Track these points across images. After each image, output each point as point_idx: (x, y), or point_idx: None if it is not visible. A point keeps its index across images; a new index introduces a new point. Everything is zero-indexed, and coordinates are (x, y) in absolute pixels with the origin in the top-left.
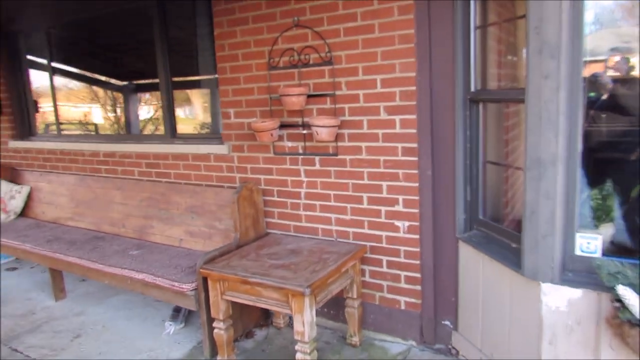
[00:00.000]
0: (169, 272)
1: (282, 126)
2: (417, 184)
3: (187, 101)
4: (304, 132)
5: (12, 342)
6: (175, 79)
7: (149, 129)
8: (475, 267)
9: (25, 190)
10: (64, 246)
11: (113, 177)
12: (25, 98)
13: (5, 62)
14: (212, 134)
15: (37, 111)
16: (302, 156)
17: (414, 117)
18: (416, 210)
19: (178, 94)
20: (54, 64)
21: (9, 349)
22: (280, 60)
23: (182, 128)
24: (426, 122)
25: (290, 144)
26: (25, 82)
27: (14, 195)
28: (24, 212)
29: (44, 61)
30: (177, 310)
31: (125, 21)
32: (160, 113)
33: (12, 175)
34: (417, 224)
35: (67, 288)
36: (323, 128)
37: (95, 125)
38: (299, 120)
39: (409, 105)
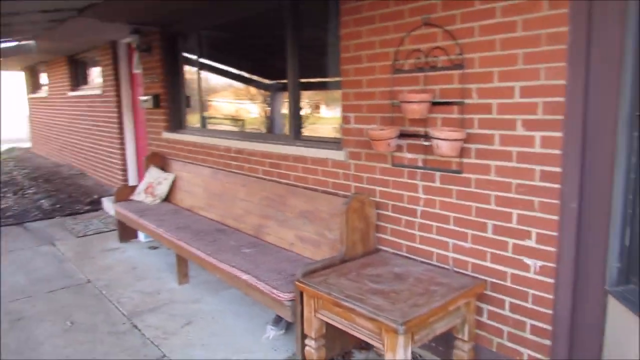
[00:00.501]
0: (272, 277)
1: (403, 135)
2: (556, 217)
3: (314, 102)
4: (425, 143)
5: (135, 318)
6: (303, 80)
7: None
8: (630, 333)
9: (170, 177)
10: (189, 235)
11: (240, 173)
12: (179, 94)
13: (166, 61)
14: (333, 138)
15: (188, 106)
16: (421, 170)
17: (559, 134)
18: (553, 249)
19: (306, 95)
20: (202, 60)
21: (130, 325)
22: (406, 62)
23: (308, 130)
24: (576, 142)
25: (409, 155)
26: (180, 80)
27: (161, 182)
28: (167, 198)
29: (196, 59)
30: (280, 315)
31: (267, 23)
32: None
33: (162, 163)
34: (552, 265)
35: (190, 274)
36: (444, 141)
37: (243, 121)
38: (420, 130)
39: (554, 120)
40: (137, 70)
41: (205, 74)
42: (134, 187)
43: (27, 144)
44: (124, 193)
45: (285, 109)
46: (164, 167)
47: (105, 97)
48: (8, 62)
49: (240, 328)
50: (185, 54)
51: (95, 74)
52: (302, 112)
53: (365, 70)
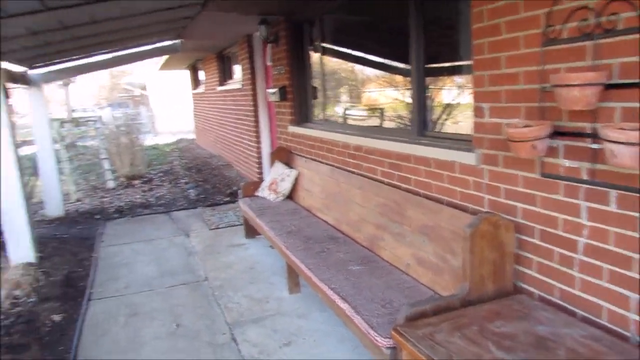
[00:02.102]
0: (374, 309)
1: (557, 134)
2: None
3: (441, 91)
4: (593, 146)
5: (236, 328)
6: (428, 65)
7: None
8: None
9: (293, 174)
10: (298, 242)
11: (357, 173)
12: (305, 85)
13: (291, 51)
14: (464, 135)
15: (315, 97)
16: (586, 185)
17: None
18: None
19: (435, 82)
20: (327, 46)
21: (230, 336)
22: (564, 28)
23: (439, 123)
24: None
25: (567, 163)
26: (306, 70)
27: (284, 178)
28: (290, 195)
29: (321, 46)
30: None
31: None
32: (437, 103)
33: (288, 158)
34: None
35: (302, 283)
36: (625, 146)
37: (381, 110)
38: (585, 126)
39: None
40: (270, 63)
41: (331, 62)
42: (259, 183)
43: (193, 136)
44: (250, 189)
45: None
46: (289, 162)
47: (244, 91)
48: (176, 61)
49: (343, 358)
50: (312, 43)
51: (239, 69)
52: (430, 103)
53: (504, 44)
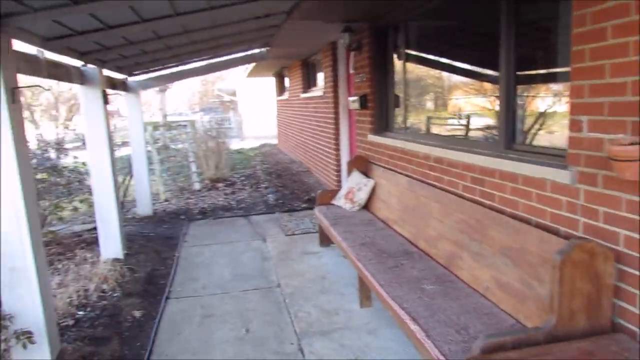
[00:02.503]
0: (447, 335)
1: None
2: None
3: (533, 100)
4: None
5: (304, 339)
6: (520, 72)
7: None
8: None
9: (370, 184)
10: (371, 255)
11: (437, 186)
12: (387, 93)
13: (374, 59)
14: (556, 150)
15: (397, 106)
16: None
17: None
18: None
19: (525, 91)
20: (411, 52)
21: (297, 347)
22: None
23: (529, 136)
24: None
25: None
26: (389, 78)
27: (361, 188)
28: (366, 205)
29: (405, 52)
30: None
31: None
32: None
33: (366, 167)
34: None
35: (374, 296)
36: None
37: (467, 120)
38: None
39: None
40: (353, 71)
41: (415, 69)
42: (335, 191)
43: (275, 141)
44: (326, 197)
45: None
46: (366, 172)
47: (325, 98)
48: (263, 68)
49: None
50: (396, 49)
51: (321, 76)
52: (520, 112)
53: (609, 50)
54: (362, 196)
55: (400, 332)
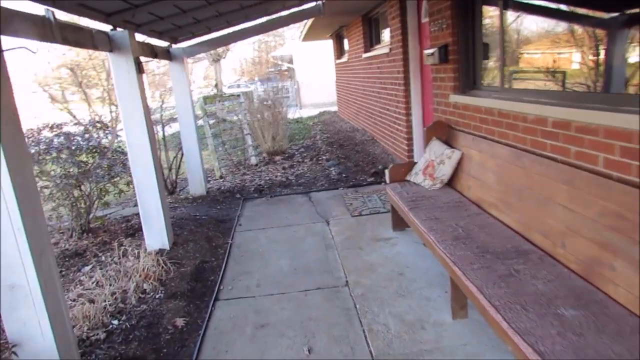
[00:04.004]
0: None
1: None
2: None
3: None
4: None
5: None
6: None
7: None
8: None
9: (455, 156)
10: (470, 255)
11: (559, 160)
12: (474, 42)
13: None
14: None
15: (486, 58)
16: None
17: None
18: None
19: None
20: None
21: None
22: None
23: None
24: None
25: None
26: (476, 22)
27: (443, 160)
28: (450, 182)
29: None
30: None
31: None
32: None
33: (448, 135)
34: None
35: (471, 303)
36: None
37: (564, 73)
38: None
39: None
40: (426, 19)
41: (509, 10)
42: (410, 165)
43: (335, 108)
44: (399, 172)
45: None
46: (449, 141)
47: (392, 55)
48: (320, 29)
49: None
50: None
51: (386, 32)
52: None
53: None
54: (445, 171)
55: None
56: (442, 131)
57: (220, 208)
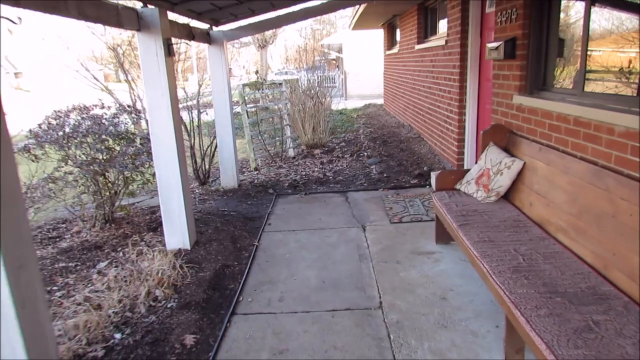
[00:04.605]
0: None
1: None
2: None
3: None
4: None
5: None
6: None
7: None
8: None
9: (516, 165)
10: (535, 294)
11: None
12: (549, 36)
13: None
14: None
15: (560, 55)
16: None
17: None
18: None
19: None
20: None
21: None
22: None
23: None
24: None
25: None
26: (553, 14)
27: (501, 170)
28: (507, 195)
29: None
30: None
31: None
32: None
33: (507, 141)
34: None
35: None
36: None
37: None
38: None
39: None
40: (491, 9)
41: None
42: (461, 172)
43: (381, 101)
44: (448, 179)
45: None
46: (508, 147)
47: (448, 48)
48: (372, 17)
49: None
50: None
51: (443, 23)
52: None
53: None
54: (502, 182)
55: None
56: (502, 136)
57: (250, 203)
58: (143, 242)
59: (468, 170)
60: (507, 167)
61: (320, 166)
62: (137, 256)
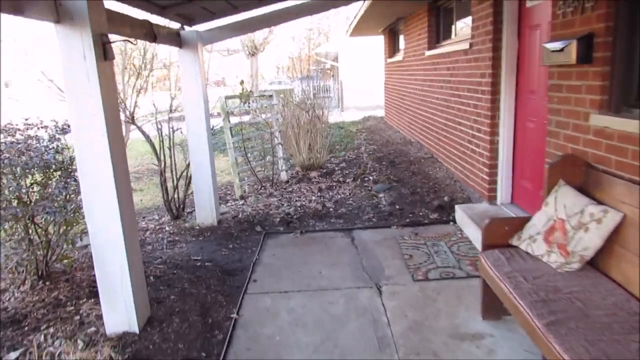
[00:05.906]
0: None
1: None
2: None
3: None
4: None
5: None
6: None
7: None
8: None
9: (611, 218)
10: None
11: None
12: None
13: None
14: None
15: None
16: None
17: None
18: None
19: None
20: None
21: None
22: None
23: None
24: None
25: None
26: None
27: (586, 224)
28: (596, 261)
29: None
30: None
31: None
32: None
33: (586, 179)
34: None
35: None
36: None
37: None
38: None
39: None
40: (533, 2)
41: None
42: (517, 222)
43: (381, 113)
44: (499, 232)
45: None
46: (588, 188)
47: (473, 53)
48: (371, 22)
49: None
50: None
51: (462, 24)
52: None
53: None
54: (589, 242)
55: None
56: (576, 171)
57: (232, 247)
58: (78, 317)
59: (528, 219)
60: (595, 220)
61: (319, 194)
62: (65, 340)
